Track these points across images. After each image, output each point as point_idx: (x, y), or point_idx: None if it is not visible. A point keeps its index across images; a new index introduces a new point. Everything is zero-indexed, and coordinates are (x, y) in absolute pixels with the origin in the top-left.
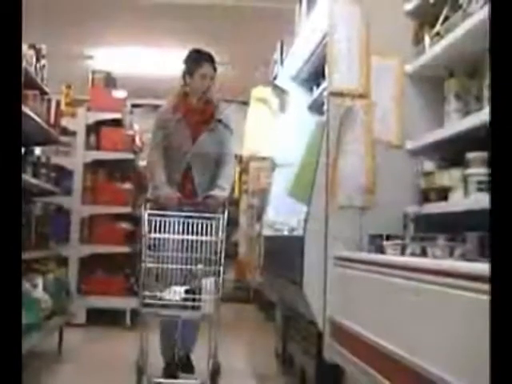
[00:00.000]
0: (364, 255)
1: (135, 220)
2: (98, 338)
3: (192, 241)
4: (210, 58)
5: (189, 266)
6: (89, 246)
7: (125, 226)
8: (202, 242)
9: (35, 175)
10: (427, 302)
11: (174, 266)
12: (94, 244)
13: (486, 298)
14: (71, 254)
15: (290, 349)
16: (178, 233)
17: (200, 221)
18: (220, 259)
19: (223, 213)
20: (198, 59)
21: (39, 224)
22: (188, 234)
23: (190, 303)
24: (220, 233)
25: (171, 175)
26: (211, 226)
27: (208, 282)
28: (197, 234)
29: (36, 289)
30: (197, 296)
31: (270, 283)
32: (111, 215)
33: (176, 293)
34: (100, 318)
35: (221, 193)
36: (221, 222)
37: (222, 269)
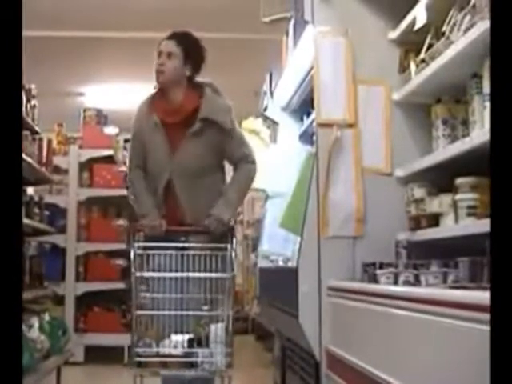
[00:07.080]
0: (357, 285)
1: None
2: (96, 376)
3: (194, 279)
4: (172, 35)
5: (190, 312)
6: (85, 283)
7: (120, 262)
8: (205, 279)
9: (28, 215)
10: (422, 331)
11: (173, 312)
12: (89, 281)
13: (481, 327)
14: (67, 292)
15: (288, 379)
16: (177, 270)
17: (203, 253)
18: (229, 300)
19: (231, 242)
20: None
21: (33, 264)
22: (189, 270)
23: (194, 359)
24: (228, 267)
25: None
26: (216, 258)
27: (216, 330)
28: (199, 269)
29: (31, 329)
30: (205, 350)
31: (267, 314)
32: (106, 252)
33: (177, 344)
34: (98, 355)
35: (219, 214)
36: (228, 253)
37: (231, 312)
